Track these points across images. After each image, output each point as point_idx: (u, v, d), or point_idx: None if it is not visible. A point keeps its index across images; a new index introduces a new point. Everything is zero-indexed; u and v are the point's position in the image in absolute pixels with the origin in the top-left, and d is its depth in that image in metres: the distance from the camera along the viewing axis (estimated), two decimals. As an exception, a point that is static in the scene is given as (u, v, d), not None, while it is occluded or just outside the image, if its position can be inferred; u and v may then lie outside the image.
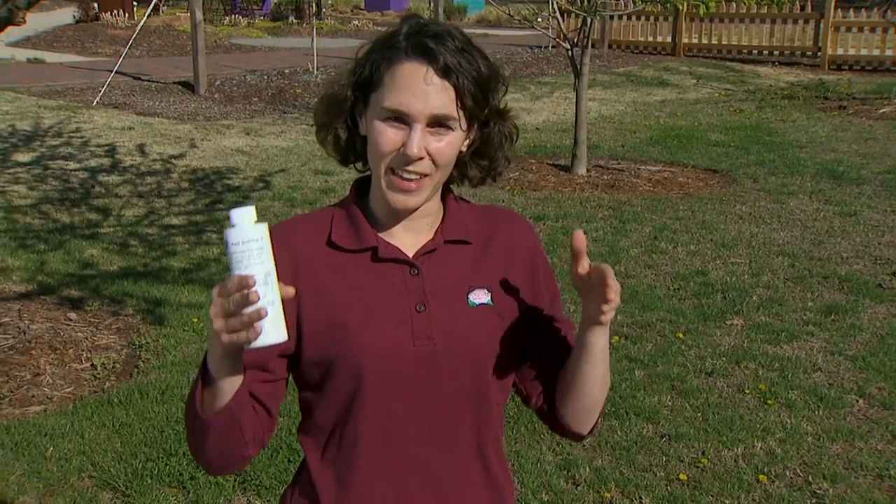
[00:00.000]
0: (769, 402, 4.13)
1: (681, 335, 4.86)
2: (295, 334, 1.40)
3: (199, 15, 12.19)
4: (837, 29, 16.43)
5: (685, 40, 17.60)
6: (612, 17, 16.98)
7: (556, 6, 8.90)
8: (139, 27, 14.47)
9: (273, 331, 1.20)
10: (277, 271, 1.37)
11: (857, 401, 4.17)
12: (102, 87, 11.94)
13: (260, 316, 1.17)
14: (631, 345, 4.73)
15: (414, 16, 1.42)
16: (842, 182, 8.35)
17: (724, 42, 17.44)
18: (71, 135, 9.62)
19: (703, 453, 3.69)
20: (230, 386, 1.30)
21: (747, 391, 4.23)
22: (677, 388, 4.27)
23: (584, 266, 1.34)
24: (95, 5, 20.62)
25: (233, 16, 22.89)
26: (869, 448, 3.75)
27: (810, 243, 6.52)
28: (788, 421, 3.96)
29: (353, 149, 1.46)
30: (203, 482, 3.40)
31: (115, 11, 20.46)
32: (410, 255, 1.43)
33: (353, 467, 1.41)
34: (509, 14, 9.62)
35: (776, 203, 7.63)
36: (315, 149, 8.60)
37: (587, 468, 3.56)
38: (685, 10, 11.27)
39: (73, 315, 4.95)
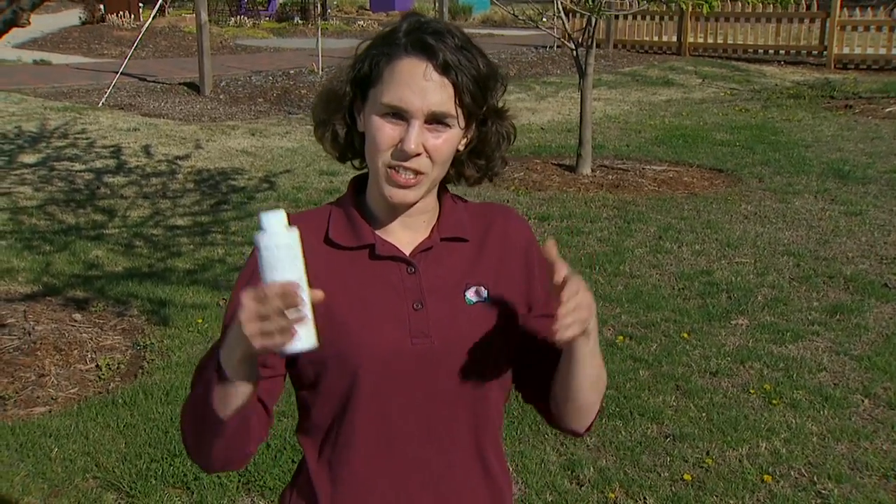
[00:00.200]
0: (774, 401, 4.12)
1: (685, 335, 4.85)
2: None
3: (204, 16, 12.21)
4: (843, 28, 16.39)
5: (690, 40, 17.57)
6: (617, 17, 16.95)
7: (560, 6, 8.89)
8: (144, 28, 14.49)
9: (305, 336, 1.20)
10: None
11: (863, 401, 4.16)
12: (108, 88, 11.96)
13: (301, 321, 1.17)
14: (635, 345, 4.73)
15: (414, 14, 1.43)
16: (848, 181, 8.33)
17: (729, 41, 17.40)
18: (76, 136, 9.65)
19: (708, 453, 3.68)
20: (244, 387, 1.29)
21: (752, 391, 4.22)
22: (682, 387, 4.26)
23: (560, 275, 1.30)
24: (101, 7, 20.65)
25: (238, 17, 22.90)
26: (874, 448, 3.74)
27: (816, 243, 6.50)
28: (793, 421, 3.95)
29: (350, 146, 1.46)
30: (207, 483, 3.40)
31: (121, 13, 20.50)
32: (407, 252, 1.43)
33: (351, 466, 1.41)
34: (514, 14, 9.60)
35: (781, 202, 7.62)
36: (320, 149, 8.58)
37: (591, 468, 3.55)
38: (690, 9, 11.25)
39: (78, 316, 4.96)
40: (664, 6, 13.16)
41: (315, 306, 1.22)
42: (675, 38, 17.80)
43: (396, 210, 1.43)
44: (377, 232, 1.44)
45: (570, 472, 3.54)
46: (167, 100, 12.09)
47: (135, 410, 3.96)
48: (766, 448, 3.73)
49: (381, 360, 1.37)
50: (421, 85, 1.33)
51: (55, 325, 4.79)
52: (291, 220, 1.45)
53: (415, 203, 1.41)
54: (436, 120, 1.35)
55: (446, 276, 1.44)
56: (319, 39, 14.53)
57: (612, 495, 3.40)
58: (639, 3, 11.00)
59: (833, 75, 15.53)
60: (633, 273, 5.85)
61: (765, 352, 4.66)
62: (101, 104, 11.36)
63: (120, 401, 4.04)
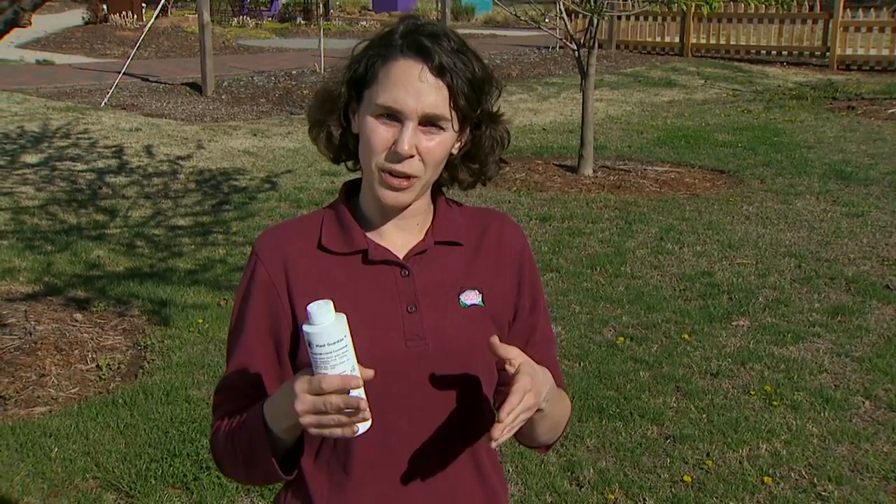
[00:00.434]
0: (774, 403, 4.11)
1: (686, 336, 4.85)
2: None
3: (206, 16, 12.22)
4: (846, 29, 16.37)
5: (693, 41, 17.56)
6: (619, 18, 16.95)
7: (562, 7, 8.89)
8: (147, 28, 14.52)
9: (365, 419, 1.22)
10: (272, 280, 1.38)
11: (864, 402, 4.15)
12: (110, 88, 11.98)
13: (362, 419, 1.20)
14: (636, 346, 4.72)
15: (411, 16, 1.43)
16: (850, 183, 8.32)
17: (732, 42, 17.39)
18: (79, 136, 9.66)
19: (708, 455, 3.68)
20: (291, 438, 1.35)
21: (753, 392, 4.22)
22: (682, 389, 4.26)
23: (513, 364, 1.29)
24: (104, 7, 20.68)
25: (241, 17, 22.93)
26: (875, 450, 3.73)
27: (817, 244, 6.50)
28: (794, 422, 3.95)
29: (345, 147, 1.46)
30: (207, 483, 3.40)
31: (124, 13, 20.52)
32: (401, 255, 1.43)
33: (346, 468, 1.42)
34: (516, 15, 9.60)
35: (783, 204, 7.61)
36: (321, 150, 8.62)
37: (591, 469, 3.55)
38: (692, 10, 11.23)
39: (78, 316, 4.97)
40: (666, 7, 13.14)
41: (304, 310, 1.24)
42: (677, 39, 17.79)
43: (389, 213, 1.43)
44: (370, 235, 1.44)
45: (569, 474, 3.54)
46: (169, 100, 12.11)
47: (135, 410, 3.96)
48: (766, 450, 3.72)
49: (376, 362, 1.36)
50: (416, 86, 1.33)
51: (56, 325, 4.80)
52: (287, 230, 1.46)
53: (407, 206, 1.42)
54: (430, 122, 1.35)
55: (440, 280, 1.44)
56: (322, 40, 14.54)
57: (612, 496, 3.39)
58: (640, 4, 10.99)
59: (836, 76, 15.52)
60: (634, 274, 5.85)
61: (766, 353, 4.65)
62: (103, 104, 11.38)
63: (120, 401, 4.04)
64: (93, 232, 6.57)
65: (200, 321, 4.91)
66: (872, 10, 16.53)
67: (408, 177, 1.36)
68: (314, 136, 1.47)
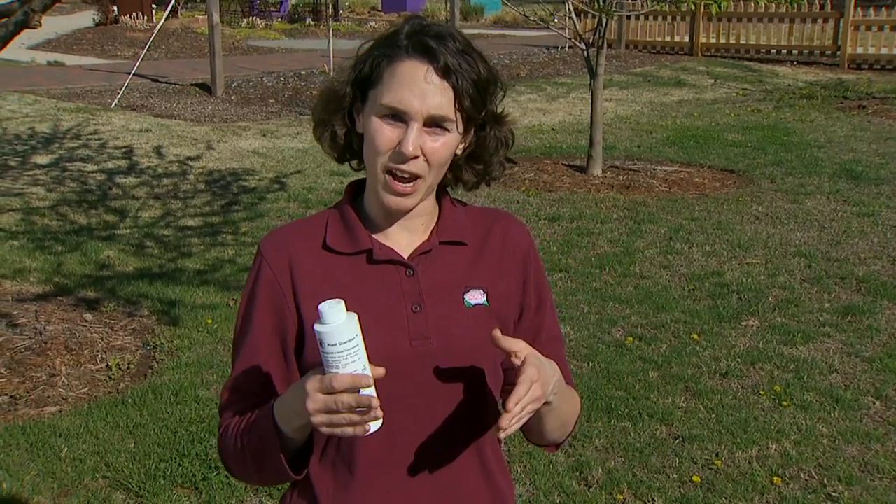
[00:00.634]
0: (784, 403, 4.10)
1: (695, 336, 4.83)
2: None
3: (216, 17, 12.24)
4: (857, 28, 16.30)
5: (703, 40, 17.51)
6: (628, 18, 16.92)
7: (571, 7, 8.88)
8: (157, 29, 14.55)
9: (376, 419, 1.23)
10: (278, 280, 1.38)
11: (874, 403, 4.13)
12: (121, 89, 12.02)
13: (374, 418, 1.20)
14: (645, 346, 4.71)
15: (416, 16, 1.43)
16: (860, 182, 8.29)
17: (742, 42, 17.33)
18: (89, 137, 9.70)
19: (717, 455, 3.67)
20: (301, 437, 1.36)
21: (762, 392, 4.21)
22: (691, 389, 4.24)
23: (518, 356, 1.29)
24: (115, 8, 20.76)
25: (250, 18, 22.98)
26: (885, 450, 3.71)
27: (827, 244, 6.47)
28: (803, 423, 3.93)
29: (349, 147, 1.47)
30: (216, 483, 3.41)
31: (134, 14, 20.60)
32: (406, 255, 1.44)
33: (352, 467, 1.42)
34: (525, 15, 9.60)
35: (793, 203, 7.58)
36: (330, 150, 8.63)
37: (600, 469, 3.54)
38: (702, 10, 11.20)
39: (88, 316, 4.99)
40: (675, 7, 13.11)
41: (309, 310, 1.25)
42: (687, 39, 17.74)
43: (394, 214, 1.43)
44: (375, 235, 1.44)
45: (578, 474, 3.53)
46: (179, 101, 12.14)
47: (144, 410, 3.98)
48: (775, 450, 3.71)
49: (381, 362, 1.37)
50: (421, 87, 1.33)
51: (66, 325, 4.82)
52: (292, 231, 1.46)
53: (412, 209, 1.42)
54: (434, 123, 1.35)
55: (445, 279, 1.44)
56: (331, 40, 14.56)
57: (621, 497, 3.39)
58: (648, 3, 10.96)
59: (846, 75, 15.44)
60: (643, 274, 5.84)
61: (775, 353, 4.64)
62: (113, 105, 11.42)
63: (129, 401, 4.06)
64: (103, 232, 6.60)
65: (209, 321, 4.93)
66: (884, 8, 16.44)
67: (412, 177, 1.36)
68: (318, 135, 1.47)
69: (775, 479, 3.50)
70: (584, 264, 6.01)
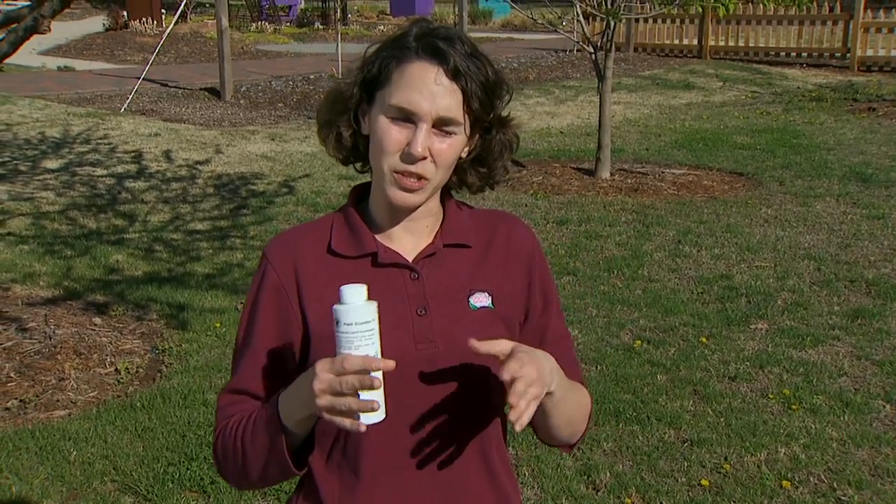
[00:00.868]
0: (793, 407, 4.08)
1: (704, 339, 4.82)
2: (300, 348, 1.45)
3: (224, 22, 12.29)
4: (867, 30, 16.24)
5: (712, 43, 17.48)
6: (637, 21, 16.90)
7: (579, 10, 8.87)
8: (166, 34, 14.62)
9: (379, 410, 1.22)
10: (283, 284, 1.38)
11: (884, 406, 4.11)
12: (130, 93, 12.07)
13: (373, 408, 1.19)
14: (653, 349, 4.70)
15: (423, 19, 1.44)
16: (870, 185, 8.25)
17: (751, 44, 17.29)
18: (99, 141, 9.74)
19: (726, 459, 3.66)
20: (303, 432, 1.34)
21: (771, 396, 4.19)
22: (700, 392, 4.23)
23: (502, 351, 1.29)
24: (125, 13, 20.85)
25: (259, 22, 23.05)
26: (895, 454, 3.69)
27: (837, 247, 6.45)
28: (813, 426, 3.91)
29: (354, 148, 1.47)
30: (224, 487, 3.41)
31: (144, 19, 20.68)
32: (410, 258, 1.44)
33: (357, 470, 1.42)
34: (533, 18, 9.59)
35: (802, 206, 7.56)
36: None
37: (608, 473, 3.54)
38: (710, 13, 11.17)
39: (98, 320, 5.00)
40: (683, 9, 13.08)
41: (323, 320, 1.23)
42: (695, 42, 17.71)
43: (399, 215, 1.43)
44: (380, 239, 1.44)
45: (586, 477, 3.52)
46: (188, 105, 12.18)
47: (153, 414, 3.99)
48: (785, 454, 3.69)
49: None
50: (431, 89, 1.34)
51: (75, 330, 4.83)
52: (297, 235, 1.46)
53: (418, 207, 1.42)
54: (443, 125, 1.36)
55: (450, 282, 1.44)
56: (339, 44, 14.59)
57: (629, 501, 3.38)
58: (653, 6, 10.94)
59: (856, 78, 15.39)
60: (651, 277, 5.82)
61: (784, 356, 4.62)
62: (123, 110, 11.46)
63: (138, 404, 4.07)
64: (112, 236, 6.62)
65: (218, 325, 4.94)
66: (894, 10, 16.38)
67: (419, 178, 1.36)
68: (323, 136, 1.47)
69: (784, 482, 3.48)
70: (593, 267, 6.00)
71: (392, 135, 1.35)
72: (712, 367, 4.50)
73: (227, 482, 1.47)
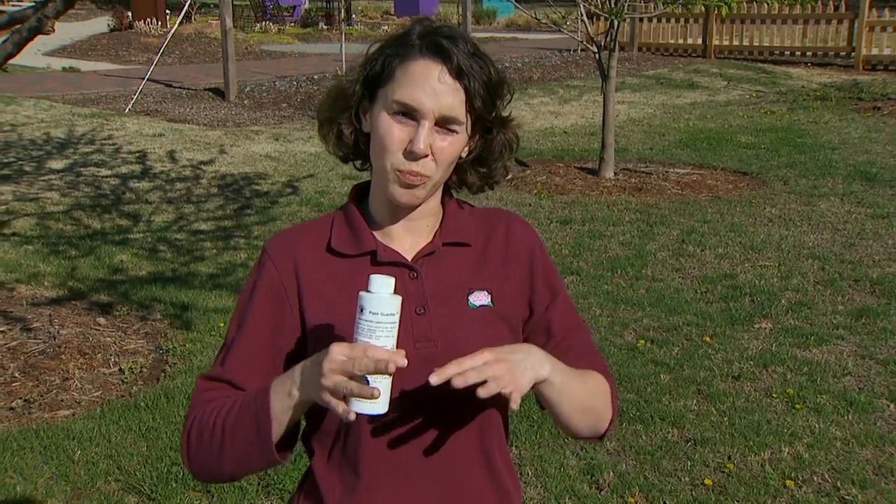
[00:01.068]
0: (797, 406, 4.08)
1: (708, 339, 4.82)
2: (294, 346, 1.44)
3: (228, 22, 12.30)
4: (872, 29, 16.20)
5: (716, 42, 17.45)
6: (641, 20, 16.88)
7: (583, 10, 8.87)
8: (170, 35, 14.64)
9: (381, 403, 1.22)
10: (282, 280, 1.38)
11: (888, 406, 4.10)
12: (134, 94, 12.09)
13: (373, 395, 1.19)
14: (657, 348, 4.70)
15: (425, 19, 1.44)
16: (875, 184, 8.24)
17: (755, 43, 17.26)
18: (103, 142, 9.76)
19: (729, 458, 3.65)
20: (290, 421, 1.33)
21: (775, 395, 4.19)
22: (703, 392, 4.23)
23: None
24: (129, 14, 20.89)
25: (263, 22, 23.07)
26: (899, 453, 3.69)
27: (841, 246, 6.43)
28: (817, 426, 3.91)
29: (355, 146, 1.47)
30: (227, 486, 3.42)
31: (149, 20, 20.72)
32: (409, 257, 1.44)
33: (358, 470, 1.42)
34: (537, 18, 9.60)
35: (807, 205, 7.55)
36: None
37: (611, 473, 3.54)
38: (714, 12, 11.16)
39: (102, 320, 5.01)
40: (687, 9, 13.07)
41: (322, 317, 1.23)
42: (700, 41, 17.69)
43: (399, 214, 1.44)
44: (379, 237, 1.45)
45: (589, 477, 3.52)
46: (192, 105, 12.20)
47: (156, 414, 3.99)
48: (788, 453, 3.69)
49: None
50: (434, 87, 1.34)
51: (80, 329, 4.84)
52: (297, 233, 1.47)
53: (418, 205, 1.42)
54: (445, 123, 1.36)
55: (449, 281, 1.44)
56: (343, 44, 14.60)
57: (632, 500, 3.38)
58: (657, 5, 10.93)
59: (861, 77, 15.35)
60: (655, 276, 5.82)
61: (788, 356, 4.61)
62: (127, 110, 11.49)
63: (142, 404, 4.08)
64: (116, 237, 6.64)
65: (222, 325, 4.94)
66: (898, 9, 16.35)
67: (419, 175, 1.37)
68: (324, 134, 1.47)
69: (788, 482, 3.48)
70: (596, 267, 6.00)
71: (394, 132, 1.35)
72: (716, 366, 4.50)
73: (191, 471, 1.41)
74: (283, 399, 1.30)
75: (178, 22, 14.84)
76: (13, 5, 22.57)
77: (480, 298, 1.43)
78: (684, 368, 4.47)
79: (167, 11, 21.34)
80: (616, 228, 6.89)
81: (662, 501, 3.37)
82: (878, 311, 5.17)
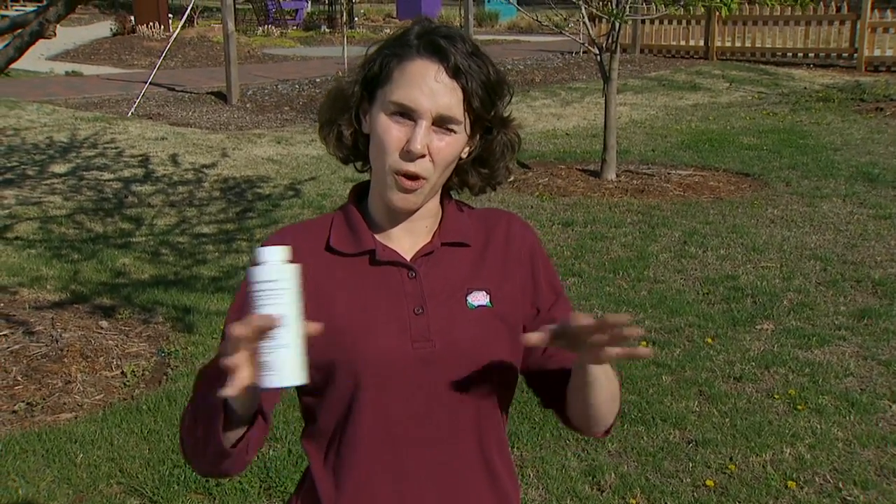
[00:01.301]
0: (799, 407, 4.07)
1: (709, 340, 4.82)
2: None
3: (231, 26, 12.33)
4: (874, 30, 16.18)
5: (718, 44, 17.44)
6: (643, 22, 16.88)
7: (585, 12, 8.87)
8: (173, 38, 14.68)
9: (286, 373, 1.17)
10: None
11: (890, 406, 4.10)
12: (137, 98, 12.12)
13: (269, 368, 1.15)
14: (659, 350, 4.70)
15: (425, 19, 1.44)
16: (877, 185, 8.23)
17: (758, 45, 17.24)
18: (106, 146, 9.78)
19: (731, 459, 3.65)
20: (246, 411, 1.28)
21: (776, 396, 4.18)
22: (705, 393, 4.23)
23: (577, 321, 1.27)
24: (132, 18, 20.93)
25: (266, 26, 23.10)
26: (901, 454, 3.69)
27: (843, 247, 6.43)
28: (818, 426, 3.91)
29: (355, 147, 1.47)
30: (228, 489, 3.43)
31: (151, 24, 20.75)
32: (408, 258, 1.44)
33: (355, 471, 1.41)
34: (539, 20, 9.60)
35: (809, 206, 7.54)
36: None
37: (612, 474, 3.54)
38: (716, 13, 11.16)
39: (104, 323, 5.02)
40: (688, 11, 13.06)
41: (319, 316, 1.23)
42: (702, 43, 17.67)
43: (398, 216, 1.44)
44: (378, 237, 1.45)
45: (591, 478, 3.52)
46: (195, 109, 12.22)
47: (158, 416, 4.00)
48: (790, 454, 3.69)
49: (383, 364, 1.37)
50: (431, 86, 1.34)
51: (82, 333, 4.85)
52: (296, 231, 1.46)
53: (417, 209, 1.42)
54: (442, 123, 1.36)
55: (447, 281, 1.44)
56: (346, 48, 14.61)
57: (634, 501, 3.38)
58: (657, 6, 10.93)
59: (864, 78, 15.33)
60: (657, 278, 5.82)
61: (790, 357, 4.61)
62: (129, 114, 11.51)
63: (144, 407, 4.09)
64: (119, 240, 6.65)
65: (223, 328, 4.94)
66: (901, 10, 16.34)
67: (417, 178, 1.37)
68: (324, 135, 1.48)
69: (790, 483, 3.48)
70: (598, 269, 6.00)
71: (392, 133, 1.36)
72: (718, 367, 4.50)
73: (190, 465, 1.40)
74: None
75: (180, 26, 14.86)
76: (16, 10, 22.63)
77: (479, 298, 1.43)
78: (686, 370, 4.46)
79: (170, 15, 21.38)
80: (618, 230, 6.89)
81: (664, 503, 3.37)
82: (881, 312, 5.17)
